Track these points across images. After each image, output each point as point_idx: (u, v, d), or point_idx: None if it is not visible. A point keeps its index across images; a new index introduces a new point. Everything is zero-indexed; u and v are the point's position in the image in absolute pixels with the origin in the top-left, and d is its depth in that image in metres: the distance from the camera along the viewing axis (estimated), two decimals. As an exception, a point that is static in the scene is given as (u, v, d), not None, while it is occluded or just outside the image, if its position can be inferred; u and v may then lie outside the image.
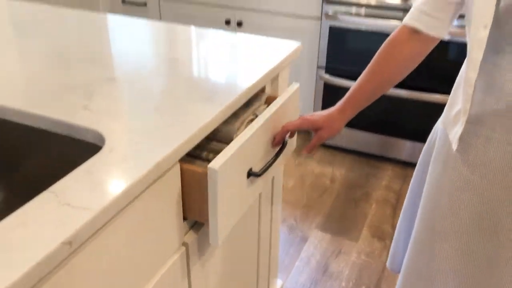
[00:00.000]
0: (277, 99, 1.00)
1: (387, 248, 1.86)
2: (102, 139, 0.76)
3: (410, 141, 2.30)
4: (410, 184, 1.13)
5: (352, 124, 2.38)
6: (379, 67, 0.98)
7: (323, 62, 2.32)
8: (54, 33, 1.24)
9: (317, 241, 1.90)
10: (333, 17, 2.18)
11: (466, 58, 0.87)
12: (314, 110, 2.43)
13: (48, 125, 0.82)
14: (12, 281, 0.49)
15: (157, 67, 1.05)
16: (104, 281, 0.66)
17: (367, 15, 2.13)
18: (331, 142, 2.50)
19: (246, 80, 0.99)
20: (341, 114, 1.00)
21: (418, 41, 0.94)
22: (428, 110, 2.15)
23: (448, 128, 0.94)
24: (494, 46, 0.81)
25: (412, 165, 2.35)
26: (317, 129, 1.00)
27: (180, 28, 1.32)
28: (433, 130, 1.05)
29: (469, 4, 0.83)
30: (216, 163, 0.77)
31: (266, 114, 0.94)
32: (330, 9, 2.19)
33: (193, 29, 1.31)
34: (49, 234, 0.56)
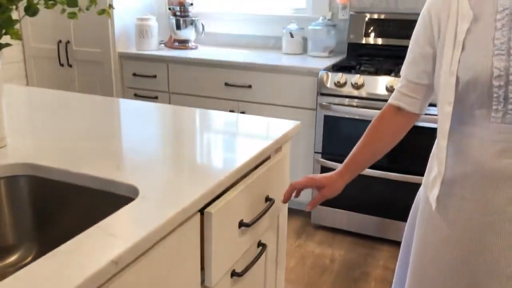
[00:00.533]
0: (265, 163, 1.17)
1: (388, 324, 1.89)
2: (136, 191, 0.89)
3: (404, 222, 2.41)
4: (402, 243, 1.24)
5: (350, 207, 2.50)
6: (370, 140, 1.15)
7: (319, 148, 2.51)
8: (80, 115, 1.42)
9: (319, 318, 1.93)
10: (327, 107, 2.41)
11: (437, 130, 1.04)
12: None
13: (87, 182, 0.95)
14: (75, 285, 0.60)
15: (168, 140, 1.21)
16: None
17: (358, 106, 2.36)
18: (330, 224, 2.60)
19: (254, 150, 1.14)
20: (340, 178, 1.15)
21: (401, 117, 1.12)
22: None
23: (428, 190, 1.08)
24: (458, 118, 0.99)
25: (408, 246, 2.44)
26: (320, 188, 1.13)
27: (193, 110, 1.50)
28: (417, 193, 1.19)
29: (436, 86, 1.02)
30: (211, 208, 0.91)
31: (254, 174, 1.10)
32: (324, 100, 2.42)
33: (210, 112, 1.50)
34: (99, 255, 0.67)
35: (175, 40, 3.13)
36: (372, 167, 2.35)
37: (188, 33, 3.10)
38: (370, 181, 2.40)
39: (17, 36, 1.02)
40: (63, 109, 1.48)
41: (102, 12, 1.15)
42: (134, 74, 2.94)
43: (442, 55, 0.98)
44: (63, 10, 1.14)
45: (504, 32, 0.90)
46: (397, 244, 2.46)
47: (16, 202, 1.01)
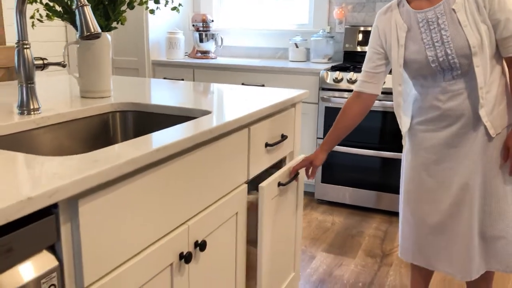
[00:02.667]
0: (284, 112, 1.70)
1: (377, 263, 2.37)
2: (209, 112, 1.41)
3: (394, 194, 2.92)
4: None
5: (348, 183, 3.01)
6: (340, 120, 1.68)
7: (321, 134, 3.03)
8: (155, 86, 1.95)
9: (323, 258, 2.41)
10: (327, 99, 2.95)
11: (393, 101, 1.60)
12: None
13: (173, 111, 1.48)
14: (139, 154, 1.12)
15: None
16: (188, 184, 1.27)
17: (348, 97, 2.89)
18: (331, 198, 3.10)
19: (280, 98, 1.67)
20: (322, 152, 1.70)
21: (362, 100, 1.64)
22: (404, 167, 2.81)
23: (403, 131, 1.62)
24: (416, 86, 1.55)
25: (395, 213, 2.94)
26: (311, 162, 1.69)
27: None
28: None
29: (390, 72, 1.57)
30: (253, 127, 1.44)
31: (278, 116, 1.62)
32: (325, 94, 2.97)
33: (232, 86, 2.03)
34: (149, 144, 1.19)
35: (197, 51, 3.70)
36: (365, 147, 2.89)
37: (209, 45, 3.67)
38: (364, 159, 2.92)
39: (124, 21, 1.56)
40: (140, 84, 2.01)
41: (174, 8, 1.70)
42: (165, 78, 3.49)
43: (390, 54, 1.55)
44: (146, 7, 1.69)
45: (427, 34, 1.46)
46: (388, 213, 2.97)
47: (126, 128, 1.54)
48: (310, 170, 1.72)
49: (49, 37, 3.57)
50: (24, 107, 1.28)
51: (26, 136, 1.26)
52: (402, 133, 1.63)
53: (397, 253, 2.47)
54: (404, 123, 1.60)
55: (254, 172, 1.53)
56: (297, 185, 1.80)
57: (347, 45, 3.42)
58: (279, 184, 1.59)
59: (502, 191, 1.49)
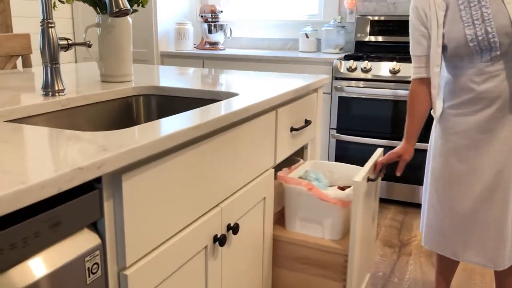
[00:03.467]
0: (307, 96, 1.66)
1: (396, 252, 2.34)
2: (235, 94, 1.38)
3: (407, 184, 2.89)
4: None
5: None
6: (414, 112, 1.60)
7: (334, 124, 3.00)
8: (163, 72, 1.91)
9: (340, 248, 2.38)
10: (341, 89, 2.91)
11: (431, 83, 1.53)
12: (329, 160, 3.05)
13: (195, 94, 1.44)
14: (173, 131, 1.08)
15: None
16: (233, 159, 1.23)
17: (366, 86, 2.86)
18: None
19: (303, 83, 1.64)
20: (409, 145, 1.62)
21: (425, 85, 1.56)
22: (420, 158, 2.77)
23: (436, 116, 1.57)
24: (452, 68, 1.50)
25: (410, 204, 2.91)
26: (400, 157, 1.61)
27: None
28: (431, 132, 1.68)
29: (429, 55, 1.51)
30: (280, 109, 1.39)
31: (301, 100, 1.58)
32: (338, 83, 2.93)
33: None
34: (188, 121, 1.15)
35: (206, 43, 3.66)
36: (377, 137, 2.85)
37: (218, 37, 3.63)
38: (376, 149, 2.89)
39: (145, 3, 1.53)
40: (158, 70, 1.97)
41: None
42: (174, 70, 3.45)
43: (431, 33, 1.49)
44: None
45: (467, 11, 1.41)
46: (402, 203, 2.93)
47: (150, 113, 1.50)
48: (400, 164, 1.64)
49: (54, 14, 3.53)
50: (49, 88, 1.24)
51: (51, 117, 1.23)
52: (434, 118, 1.58)
53: (416, 243, 2.44)
54: (437, 107, 1.55)
55: (280, 157, 1.49)
56: (376, 182, 1.71)
57: (358, 35, 3.38)
58: (369, 179, 1.51)
59: None
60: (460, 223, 1.55)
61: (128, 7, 1.13)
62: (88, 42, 1.26)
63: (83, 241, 0.76)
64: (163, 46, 3.50)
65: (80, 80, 1.59)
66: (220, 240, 1.11)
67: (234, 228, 1.18)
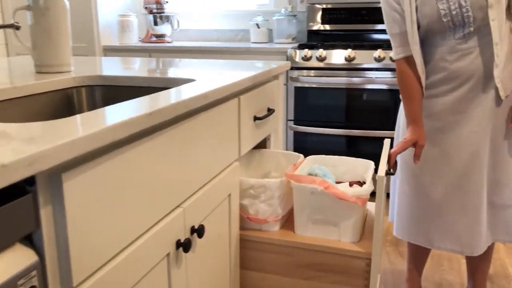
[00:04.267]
0: (267, 84, 1.53)
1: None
2: (193, 80, 1.23)
3: (367, 173, 2.83)
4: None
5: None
6: (407, 91, 1.45)
7: (291, 116, 2.90)
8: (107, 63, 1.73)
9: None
10: (296, 79, 2.82)
11: (415, 61, 1.42)
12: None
13: (153, 82, 1.28)
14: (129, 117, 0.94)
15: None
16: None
17: (322, 75, 2.78)
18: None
19: (264, 69, 1.51)
20: (420, 129, 1.43)
21: (412, 63, 1.43)
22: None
23: None
24: (428, 45, 1.40)
25: (373, 193, 2.86)
26: (415, 143, 1.43)
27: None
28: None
29: (405, 32, 1.41)
30: (242, 96, 1.26)
31: (262, 88, 1.46)
32: (294, 73, 2.83)
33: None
34: (139, 107, 1.01)
35: (152, 35, 3.46)
36: (332, 127, 2.76)
37: (164, 29, 3.44)
38: (332, 139, 2.82)
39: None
40: (101, 61, 1.78)
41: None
42: (119, 64, 3.23)
43: (404, 9, 1.38)
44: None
45: None
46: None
47: (95, 106, 1.33)
48: (416, 150, 1.44)
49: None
50: (-30, 79, 1.05)
51: (-26, 114, 1.03)
52: None
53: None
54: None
55: (245, 149, 1.36)
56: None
57: (310, 24, 3.30)
58: (387, 173, 1.35)
59: (509, 158, 1.41)
60: (434, 210, 1.48)
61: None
62: (15, 23, 1.07)
63: (14, 260, 0.60)
64: (105, 40, 3.27)
65: (12, 71, 1.39)
66: (184, 245, 0.97)
67: (199, 231, 1.04)
